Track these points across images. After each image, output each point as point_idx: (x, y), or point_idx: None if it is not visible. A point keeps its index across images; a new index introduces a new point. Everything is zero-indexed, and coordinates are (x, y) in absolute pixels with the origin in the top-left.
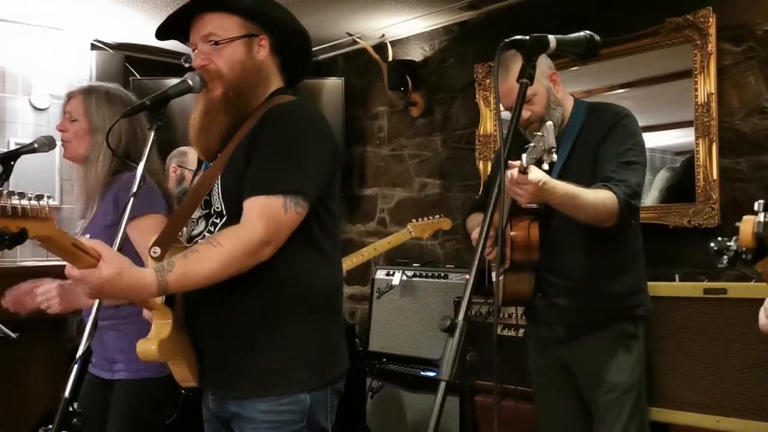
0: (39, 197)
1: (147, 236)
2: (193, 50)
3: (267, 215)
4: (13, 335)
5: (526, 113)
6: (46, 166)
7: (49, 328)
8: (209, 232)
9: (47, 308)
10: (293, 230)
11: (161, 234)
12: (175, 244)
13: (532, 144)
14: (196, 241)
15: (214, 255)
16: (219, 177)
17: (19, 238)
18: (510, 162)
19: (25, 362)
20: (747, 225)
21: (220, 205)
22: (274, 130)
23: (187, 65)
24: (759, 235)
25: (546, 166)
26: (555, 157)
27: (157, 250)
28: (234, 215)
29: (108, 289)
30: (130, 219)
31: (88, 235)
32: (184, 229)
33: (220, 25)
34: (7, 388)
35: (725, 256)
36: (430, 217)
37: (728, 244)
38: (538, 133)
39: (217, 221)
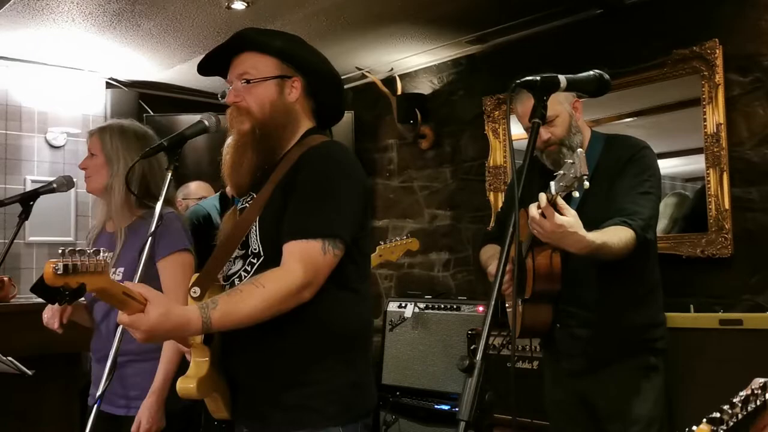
0: (96, 252)
1: (175, 277)
2: (230, 86)
3: (306, 259)
4: (29, 372)
5: (546, 134)
6: (62, 203)
7: (62, 364)
8: (245, 271)
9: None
10: (331, 272)
11: (201, 274)
12: (214, 283)
13: (561, 171)
14: (233, 281)
15: (257, 295)
16: (257, 219)
17: (79, 292)
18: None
19: (38, 399)
20: None
21: (258, 246)
22: (309, 173)
23: (222, 101)
24: None
25: (577, 194)
26: (587, 184)
27: (197, 290)
28: (271, 256)
29: (158, 331)
30: (157, 260)
31: (122, 269)
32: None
33: (254, 64)
34: (20, 424)
35: None
36: (398, 239)
37: None
38: (569, 161)
39: (254, 261)
